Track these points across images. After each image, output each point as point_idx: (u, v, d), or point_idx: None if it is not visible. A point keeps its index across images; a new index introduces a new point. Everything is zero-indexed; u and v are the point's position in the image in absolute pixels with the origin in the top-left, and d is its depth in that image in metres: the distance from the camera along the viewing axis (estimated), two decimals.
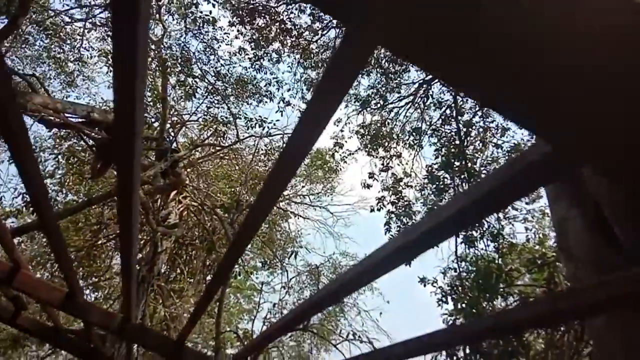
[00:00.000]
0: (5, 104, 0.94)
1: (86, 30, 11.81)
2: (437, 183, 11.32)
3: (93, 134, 8.62)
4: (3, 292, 2.46)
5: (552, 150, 0.56)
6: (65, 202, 12.12)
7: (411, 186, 12.43)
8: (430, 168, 11.49)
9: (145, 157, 11.69)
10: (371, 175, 12.59)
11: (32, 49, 11.86)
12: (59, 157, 12.46)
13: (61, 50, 11.99)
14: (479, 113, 12.16)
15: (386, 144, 12.82)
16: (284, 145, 0.86)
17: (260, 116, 11.96)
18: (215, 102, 12.34)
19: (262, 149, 14.62)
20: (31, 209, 11.66)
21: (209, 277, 15.17)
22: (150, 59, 11.30)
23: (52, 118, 7.76)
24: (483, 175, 11.74)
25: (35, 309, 11.71)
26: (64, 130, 10.20)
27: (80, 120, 8.08)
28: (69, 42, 12.02)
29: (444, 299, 9.66)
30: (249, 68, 12.44)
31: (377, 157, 12.80)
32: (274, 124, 12.48)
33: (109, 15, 11.75)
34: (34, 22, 11.11)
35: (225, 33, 12.09)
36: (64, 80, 12.67)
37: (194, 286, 14.63)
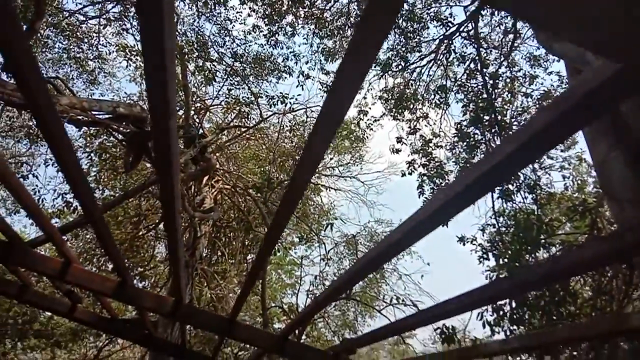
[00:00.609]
0: (45, 111, 0.97)
1: (101, 27, 11.92)
2: (468, 140, 11.10)
3: (121, 128, 8.75)
4: (58, 288, 2.57)
5: (622, 68, 0.52)
6: (102, 198, 12.46)
7: (441, 146, 12.24)
8: (459, 125, 11.26)
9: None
10: (399, 139, 12.45)
11: (52, 51, 12.05)
12: (92, 154, 12.76)
13: (80, 50, 12.15)
14: (505, 63, 11.79)
15: (411, 106, 12.60)
16: (321, 110, 0.84)
17: (281, 93, 11.89)
18: (236, 83, 12.33)
19: (286, 126, 14.63)
20: (72, 207, 12.06)
21: (249, 257, 15.48)
22: None
23: (80, 117, 7.91)
24: (515, 127, 11.45)
25: (88, 303, 12.23)
26: (93, 128, 10.41)
27: (107, 116, 8.20)
28: (86, 40, 12.17)
29: (484, 255, 9.59)
30: (264, 45, 12.36)
31: (403, 120, 12.61)
32: (296, 99, 12.40)
33: (122, 9, 11.81)
34: (51, 25, 11.26)
35: (237, 12, 11.98)
36: (86, 79, 12.88)
37: (235, 266, 14.96)
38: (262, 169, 14.96)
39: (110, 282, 1.86)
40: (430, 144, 12.01)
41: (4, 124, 11.72)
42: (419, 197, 11.39)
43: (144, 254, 14.87)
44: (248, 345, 13.45)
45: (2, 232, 1.78)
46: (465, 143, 11.20)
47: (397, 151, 12.55)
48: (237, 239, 15.01)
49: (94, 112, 8.02)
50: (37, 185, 13.11)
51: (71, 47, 11.97)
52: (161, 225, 15.27)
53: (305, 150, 0.94)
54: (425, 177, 11.22)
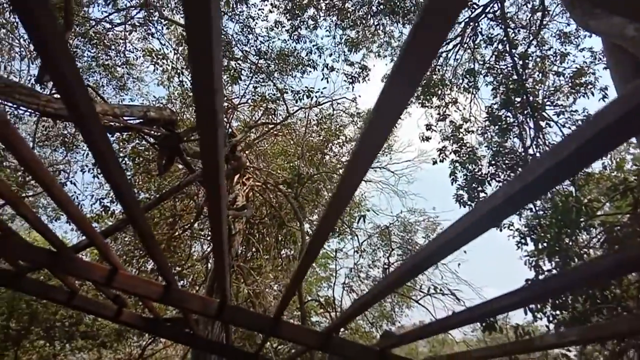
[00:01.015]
0: (90, 120, 1.01)
1: (127, 33, 12.14)
2: (500, 123, 10.87)
3: (152, 132, 8.91)
4: (104, 293, 2.63)
5: None
6: (138, 201, 12.72)
7: (472, 131, 12.01)
8: (489, 109, 11.02)
9: None
10: (428, 126, 12.27)
11: (82, 60, 12.36)
12: (125, 159, 13.06)
13: (108, 57, 12.41)
14: (534, 42, 11.45)
15: (439, 91, 12.40)
16: (375, 107, 0.82)
17: (306, 87, 11.88)
18: (261, 80, 12.38)
19: (313, 120, 14.64)
20: (110, 212, 12.38)
21: (283, 252, 15.61)
22: None
23: (112, 123, 8.08)
24: (548, 107, 11.14)
25: (131, 303, 12.55)
26: (126, 133, 10.64)
27: (138, 121, 8.34)
28: (113, 47, 12.42)
29: (522, 240, 9.40)
30: (287, 40, 12.36)
31: (432, 107, 12.42)
32: (321, 92, 12.38)
33: (146, 14, 11.99)
34: (79, 35, 11.53)
35: (259, 9, 12.01)
36: (115, 85, 13.15)
37: (270, 262, 15.11)
38: (291, 165, 15.02)
39: (156, 287, 1.89)
40: (461, 130, 11.80)
41: (40, 134, 12.09)
42: (452, 184, 11.23)
43: (181, 254, 15.18)
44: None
45: (49, 241, 1.83)
46: (497, 127, 10.97)
47: (427, 139, 12.38)
48: (270, 235, 15.15)
49: (125, 118, 8.19)
50: (75, 192, 13.50)
51: (99, 54, 12.23)
52: (196, 225, 15.56)
53: (357, 149, 0.91)
54: (457, 164, 11.04)
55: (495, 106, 10.95)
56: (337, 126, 14.99)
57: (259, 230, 15.21)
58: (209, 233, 16.47)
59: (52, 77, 0.87)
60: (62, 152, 13.62)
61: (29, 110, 7.20)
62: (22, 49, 10.89)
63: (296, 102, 12.27)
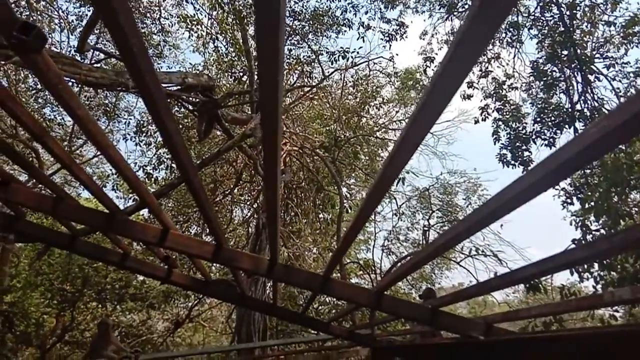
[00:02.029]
0: (153, 92, 1.09)
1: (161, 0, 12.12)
2: (545, 78, 10.39)
3: (191, 98, 8.98)
4: (155, 254, 2.70)
5: None
6: (192, 160, 12.95)
7: (516, 88, 11.55)
8: (534, 63, 10.52)
9: (242, 112, 12.05)
10: (470, 84, 11.86)
11: None
12: None
13: (144, 25, 12.45)
14: None
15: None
16: (439, 69, 0.79)
17: (341, 47, 11.63)
18: (296, 43, 12.19)
19: (349, 81, 14.39)
20: (153, 179, 12.70)
21: (320, 215, 15.72)
22: (225, 13, 11.36)
23: None
24: (597, 60, 10.54)
25: (181, 264, 12.99)
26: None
27: (177, 87, 8.41)
28: (148, 15, 12.44)
29: (568, 200, 9.11)
30: None
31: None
32: (357, 52, 12.09)
33: None
34: None
35: None
36: (152, 53, 13.22)
37: (309, 225, 15.27)
38: (327, 128, 14.91)
39: (208, 246, 1.92)
40: (504, 87, 11.35)
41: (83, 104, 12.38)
42: (495, 143, 10.91)
43: (223, 218, 15.53)
44: (329, 300, 13.85)
45: (104, 204, 1.87)
46: (542, 82, 10.50)
47: (468, 97, 11.98)
48: (308, 199, 15.25)
49: (164, 85, 8.26)
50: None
51: (136, 23, 12.28)
52: (236, 190, 15.82)
53: (417, 113, 0.87)
54: (500, 122, 10.68)
55: (541, 60, 10.45)
56: (374, 87, 14.70)
57: (297, 195, 15.33)
58: (248, 198, 16.76)
59: (119, 48, 0.95)
60: (105, 122, 13.95)
61: (72, 80, 7.35)
62: (61, 21, 11.05)
63: (331, 63, 12.04)
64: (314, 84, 13.14)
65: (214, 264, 15.98)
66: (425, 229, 12.14)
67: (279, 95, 0.92)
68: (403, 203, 15.32)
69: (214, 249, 1.90)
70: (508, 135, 10.81)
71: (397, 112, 16.53)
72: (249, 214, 16.78)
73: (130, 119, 13.78)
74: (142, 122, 13.13)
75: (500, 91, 11.13)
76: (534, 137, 10.30)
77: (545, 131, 10.29)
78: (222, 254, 1.91)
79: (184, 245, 1.89)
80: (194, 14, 12.20)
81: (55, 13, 11.06)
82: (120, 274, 14.38)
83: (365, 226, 19.62)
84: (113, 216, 1.89)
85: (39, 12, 10.76)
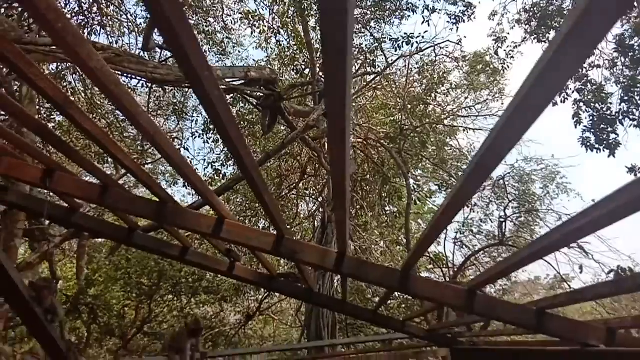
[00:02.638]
0: (209, 93, 1.11)
1: None
2: (632, 53, 9.42)
3: (254, 92, 8.95)
4: (216, 248, 2.55)
5: None
6: (251, 154, 13.07)
7: (598, 65, 10.55)
8: (619, 38, 9.55)
9: (305, 104, 11.93)
10: None
11: None
12: None
13: (208, 23, 12.63)
14: None
15: (557, 24, 10.98)
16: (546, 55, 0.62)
17: (405, 33, 11.14)
18: (357, 31, 11.85)
19: (414, 68, 13.86)
20: (221, 175, 12.90)
21: (387, 208, 15.33)
22: (286, 6, 11.26)
23: None
24: None
25: (246, 260, 13.16)
26: (229, 97, 10.82)
27: (240, 82, 8.40)
28: (211, 13, 12.60)
29: None
30: None
31: (548, 42, 11.06)
32: (422, 37, 11.54)
33: None
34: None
35: None
36: (217, 51, 13.40)
37: (375, 218, 14.94)
38: (392, 119, 14.48)
39: (268, 237, 1.71)
40: (585, 65, 10.41)
41: (152, 103, 12.77)
42: (576, 126, 10.06)
43: (289, 212, 15.56)
44: (398, 293, 13.47)
45: (154, 193, 1.71)
46: (628, 58, 9.54)
47: None
48: (373, 192, 14.92)
49: (228, 80, 8.27)
50: (188, 157, 14.24)
51: (199, 21, 12.48)
52: (301, 185, 15.80)
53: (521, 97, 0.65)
54: (581, 104, 9.81)
55: (627, 34, 9.49)
56: (441, 73, 14.06)
57: (362, 188, 15.03)
58: (313, 192, 16.69)
59: (171, 47, 0.98)
60: (174, 120, 14.34)
61: (138, 78, 7.49)
62: (129, 24, 11.41)
63: (395, 50, 11.59)
64: (377, 72, 12.75)
65: (283, 260, 16.10)
66: (502, 220, 11.43)
67: (347, 79, 0.89)
68: (476, 193, 14.57)
69: (274, 240, 1.69)
70: (591, 117, 9.95)
71: (466, 98, 15.76)
72: (314, 208, 16.73)
73: (199, 116, 14.08)
74: (209, 120, 13.37)
75: (581, 70, 10.22)
76: (620, 117, 9.39)
77: (634, 110, 9.36)
78: (284, 245, 1.69)
79: (241, 236, 1.70)
80: (256, 10, 12.20)
81: (124, 17, 11.43)
82: (194, 268, 14.78)
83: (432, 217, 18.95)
84: (164, 205, 1.73)
85: (109, 17, 11.16)
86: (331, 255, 1.70)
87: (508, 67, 13.13)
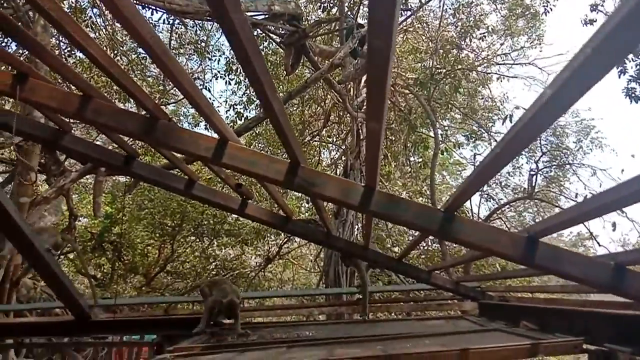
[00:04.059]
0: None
1: None
2: None
3: (278, 28, 8.49)
4: (226, 183, 2.30)
5: None
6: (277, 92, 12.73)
7: None
8: None
9: (331, 44, 11.37)
10: (594, 6, 10.12)
11: None
12: None
13: None
14: None
15: None
16: None
17: None
18: None
19: (448, 9, 13.02)
20: (242, 117, 12.63)
21: (412, 158, 14.93)
22: None
23: None
24: None
25: (263, 200, 13.08)
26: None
27: (263, 16, 7.94)
28: None
29: None
30: None
31: None
32: None
33: None
34: None
35: None
36: None
37: (398, 168, 14.60)
38: (422, 64, 13.79)
39: (279, 164, 1.42)
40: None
41: (174, 41, 12.36)
42: (619, 76, 9.37)
43: (311, 160, 15.31)
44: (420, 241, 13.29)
45: (143, 107, 1.43)
46: None
47: (591, 22, 10.27)
48: (398, 141, 14.49)
49: (250, 13, 7.81)
50: (210, 99, 13.93)
51: None
52: (324, 132, 15.44)
53: None
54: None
55: None
56: (477, 16, 13.19)
57: (387, 137, 14.59)
58: (337, 140, 16.33)
59: None
60: (197, 61, 13.96)
61: (156, 8, 7.11)
62: None
63: None
64: (409, 13, 12.00)
65: (303, 203, 16.03)
66: (532, 173, 10.96)
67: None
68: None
69: (288, 169, 1.40)
70: (638, 67, 9.26)
71: (502, 44, 14.85)
72: (337, 156, 16.44)
73: (221, 56, 13.67)
74: (231, 59, 12.95)
75: None
76: None
77: None
78: (299, 175, 1.40)
79: (246, 162, 1.41)
80: None
81: None
82: (215, 210, 14.83)
83: (458, 170, 18.51)
84: (155, 121, 1.45)
85: None
86: (357, 189, 1.40)
87: (550, 9, 12.18)
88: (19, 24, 6.72)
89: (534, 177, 10.68)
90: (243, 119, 12.67)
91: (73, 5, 10.36)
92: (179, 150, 1.55)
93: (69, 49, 10.32)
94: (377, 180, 1.34)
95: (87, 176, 9.22)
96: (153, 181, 2.31)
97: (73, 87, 1.66)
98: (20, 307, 5.38)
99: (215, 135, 1.49)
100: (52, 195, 5.79)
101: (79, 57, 10.63)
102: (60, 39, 9.55)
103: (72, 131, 2.02)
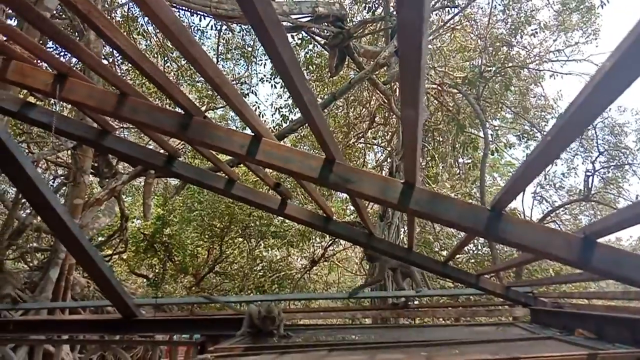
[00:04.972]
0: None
1: None
2: None
3: (322, 31, 8.49)
4: (263, 180, 2.28)
5: None
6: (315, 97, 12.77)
7: None
8: None
9: (375, 45, 11.25)
10: None
11: None
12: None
13: None
14: None
15: None
16: None
17: None
18: None
19: (498, 5, 12.60)
20: (288, 120, 12.71)
21: (460, 160, 14.55)
22: None
23: (283, 23, 7.79)
24: None
25: (301, 199, 13.09)
26: (297, 38, 10.40)
27: (307, 18, 7.96)
28: None
29: None
30: None
31: None
32: None
33: None
34: None
35: None
36: None
37: (446, 170, 14.26)
38: (470, 62, 13.42)
39: (314, 160, 1.37)
40: None
41: (222, 47, 12.62)
42: None
43: (355, 162, 15.21)
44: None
45: (176, 103, 1.42)
46: None
47: None
48: (446, 142, 14.16)
49: (294, 16, 7.85)
50: (256, 102, 14.16)
51: None
52: (369, 133, 15.31)
53: None
54: None
55: None
56: (528, 11, 12.70)
57: (434, 138, 14.29)
58: (382, 141, 16.15)
59: None
60: (244, 66, 14.21)
61: (203, 14, 7.24)
62: None
63: None
64: (456, 12, 11.70)
65: (348, 206, 15.94)
66: (589, 174, 10.41)
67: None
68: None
69: (322, 165, 1.34)
70: None
71: (555, 40, 14.24)
72: (382, 157, 16.26)
73: (267, 60, 13.86)
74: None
75: None
76: None
77: None
78: (334, 172, 1.34)
79: (281, 158, 1.36)
80: None
81: None
82: (261, 211, 15.00)
83: (510, 172, 17.86)
84: (189, 118, 1.44)
85: None
86: (395, 186, 1.33)
87: (607, 2, 11.55)
88: (75, 33, 7.04)
89: (591, 178, 10.12)
90: (288, 121, 12.76)
91: (125, 14, 10.76)
92: (214, 148, 1.53)
93: (120, 57, 10.74)
94: (417, 175, 1.27)
95: (139, 179, 9.53)
96: (194, 181, 2.33)
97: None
98: (74, 305, 5.61)
99: (249, 132, 1.48)
100: (104, 197, 6.00)
101: (131, 66, 11.01)
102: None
103: (121, 134, 2.07)
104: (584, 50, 14.17)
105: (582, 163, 13.27)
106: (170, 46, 12.15)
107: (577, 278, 2.74)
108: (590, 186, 10.17)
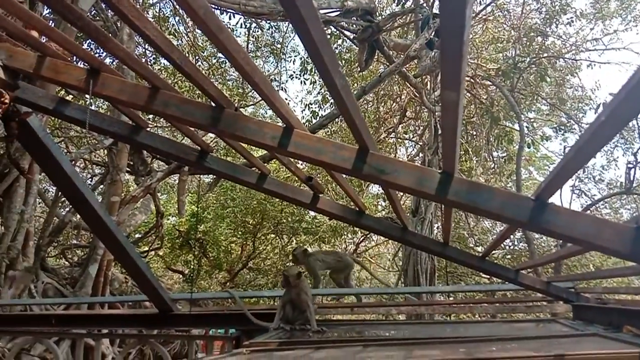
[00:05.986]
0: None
1: None
2: None
3: (351, 25, 8.42)
4: (294, 174, 2.26)
5: None
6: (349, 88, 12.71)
7: None
8: None
9: (405, 38, 11.10)
10: None
11: None
12: None
13: None
14: None
15: None
16: None
17: None
18: None
19: None
20: (317, 116, 12.69)
21: (495, 154, 14.23)
22: None
23: None
24: None
25: (333, 194, 13.05)
26: (325, 30, 10.34)
27: (336, 13, 7.91)
28: None
29: None
30: None
31: None
32: None
33: None
34: None
35: None
36: None
37: (480, 164, 13.98)
38: (504, 54, 13.08)
39: (346, 151, 1.34)
40: None
41: (251, 44, 12.69)
42: None
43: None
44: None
45: (208, 95, 1.42)
46: None
47: None
48: (480, 135, 13.87)
49: (323, 11, 7.81)
50: (286, 99, 14.20)
51: None
52: (400, 128, 15.14)
53: None
54: None
55: None
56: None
57: (468, 131, 14.02)
58: (414, 136, 15.96)
59: None
60: (273, 62, 14.26)
61: (233, 11, 7.29)
62: None
63: None
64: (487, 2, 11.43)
65: (380, 201, 15.84)
66: (630, 165, 9.96)
67: None
68: None
69: (356, 155, 1.31)
70: None
71: (592, 29, 13.72)
72: (413, 152, 16.08)
73: (296, 57, 13.87)
74: (306, 59, 13.09)
75: None
76: None
77: None
78: (368, 162, 1.30)
79: (312, 150, 1.34)
80: None
81: None
82: (293, 207, 15.07)
83: (546, 165, 17.37)
84: (221, 110, 1.43)
85: None
86: (433, 176, 1.28)
87: None
88: (109, 33, 7.20)
89: (633, 170, 9.68)
90: (318, 117, 12.75)
91: (157, 14, 10.95)
92: (245, 140, 1.52)
93: (154, 56, 10.95)
94: (455, 165, 1.22)
95: (173, 176, 9.70)
96: (227, 175, 2.34)
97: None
98: (112, 300, 5.78)
99: (280, 123, 1.46)
100: (140, 194, 6.14)
101: (164, 63, 11.20)
102: (146, 47, 10.08)
103: (155, 130, 2.10)
104: (623, 38, 13.63)
105: (623, 155, 12.78)
106: (201, 45, 12.32)
107: (623, 272, 2.62)
108: (632, 179, 9.72)
